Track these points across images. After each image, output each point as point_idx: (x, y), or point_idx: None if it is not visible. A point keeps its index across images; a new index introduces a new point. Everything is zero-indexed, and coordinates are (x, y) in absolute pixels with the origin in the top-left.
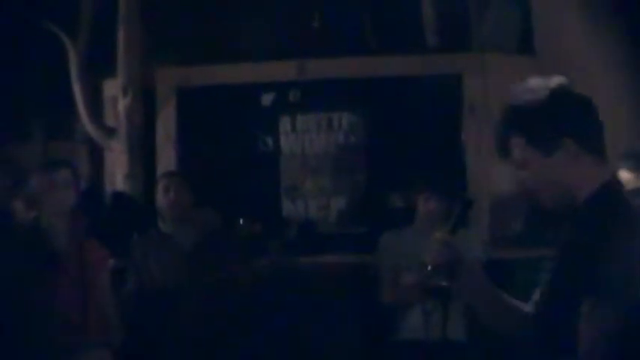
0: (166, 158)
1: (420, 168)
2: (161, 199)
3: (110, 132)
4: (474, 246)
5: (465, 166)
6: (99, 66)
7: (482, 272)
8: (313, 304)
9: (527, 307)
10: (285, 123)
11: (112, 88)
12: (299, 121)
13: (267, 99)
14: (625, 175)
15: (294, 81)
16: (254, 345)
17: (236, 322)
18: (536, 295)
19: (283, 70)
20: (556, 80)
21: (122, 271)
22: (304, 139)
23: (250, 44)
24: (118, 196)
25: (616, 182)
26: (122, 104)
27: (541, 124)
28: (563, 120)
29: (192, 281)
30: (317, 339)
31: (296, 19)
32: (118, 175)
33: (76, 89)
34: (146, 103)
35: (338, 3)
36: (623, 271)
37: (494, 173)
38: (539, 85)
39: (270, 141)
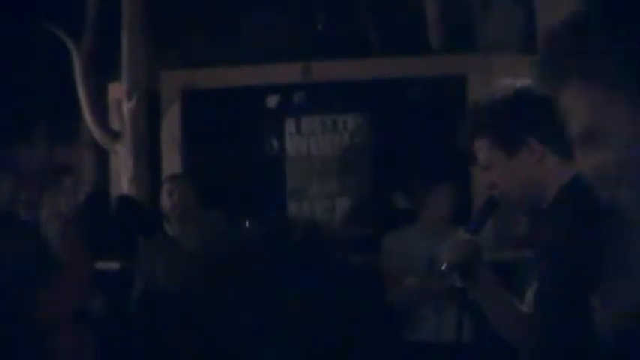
0: (172, 161)
1: (425, 169)
2: (166, 201)
3: (115, 135)
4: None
5: (471, 168)
6: (103, 69)
7: (495, 275)
8: (319, 304)
9: (525, 309)
10: (290, 125)
11: (116, 91)
12: (304, 123)
13: (272, 101)
14: None
15: (299, 83)
16: (261, 346)
17: (243, 323)
18: (528, 297)
19: (288, 73)
20: (521, 81)
21: (128, 274)
22: (309, 141)
23: (255, 46)
24: (123, 199)
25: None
26: (127, 107)
27: (503, 123)
28: (525, 119)
29: (197, 283)
30: (324, 339)
31: (300, 21)
32: (123, 178)
33: (81, 92)
34: (151, 105)
35: (342, 5)
36: (609, 258)
37: None
38: (504, 87)
39: (275, 143)
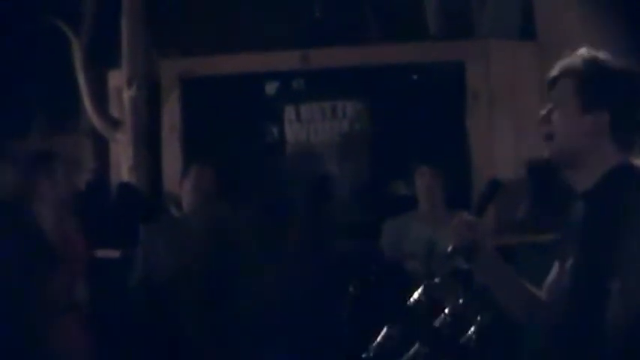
0: (171, 149)
1: (425, 156)
2: (188, 185)
3: (115, 123)
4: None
5: (469, 152)
6: (103, 57)
7: (500, 256)
8: (318, 291)
9: (541, 293)
10: (289, 112)
11: (116, 79)
12: (303, 111)
13: (271, 89)
14: None
15: (297, 70)
16: (264, 329)
17: (246, 308)
18: (548, 281)
19: (287, 60)
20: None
21: (129, 261)
22: (309, 128)
23: (253, 34)
24: (123, 187)
25: (632, 165)
26: (127, 95)
27: (599, 81)
28: (616, 96)
29: (204, 266)
30: (323, 323)
31: (299, 8)
32: (123, 166)
33: (81, 81)
34: (151, 93)
35: None
36: None
37: (498, 159)
38: (613, 58)
39: (274, 130)
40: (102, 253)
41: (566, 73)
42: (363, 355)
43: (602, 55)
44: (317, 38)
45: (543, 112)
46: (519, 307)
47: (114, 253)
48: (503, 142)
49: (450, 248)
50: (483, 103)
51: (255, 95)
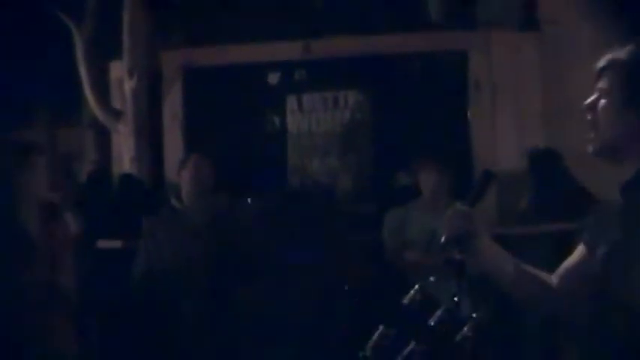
0: (173, 139)
1: (427, 145)
2: (186, 175)
3: (117, 114)
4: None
5: (471, 142)
6: (104, 48)
7: (496, 244)
8: (320, 281)
9: (552, 279)
10: (291, 102)
11: (118, 70)
12: (305, 100)
13: (273, 79)
14: None
15: (299, 60)
16: (264, 321)
17: (246, 299)
18: (564, 266)
19: (289, 50)
20: None
21: (131, 252)
22: (311, 118)
23: (255, 24)
24: (125, 178)
25: None
26: (128, 86)
27: (638, 76)
28: None
29: (204, 258)
30: (325, 316)
31: None
32: (125, 157)
33: (82, 72)
34: (152, 84)
35: None
36: None
37: (500, 149)
38: None
39: (276, 120)
40: (104, 244)
41: (612, 64)
42: (360, 354)
43: None
44: (319, 28)
45: (589, 100)
46: (526, 293)
47: (116, 244)
48: (505, 132)
49: (443, 239)
50: (486, 93)
51: (257, 85)
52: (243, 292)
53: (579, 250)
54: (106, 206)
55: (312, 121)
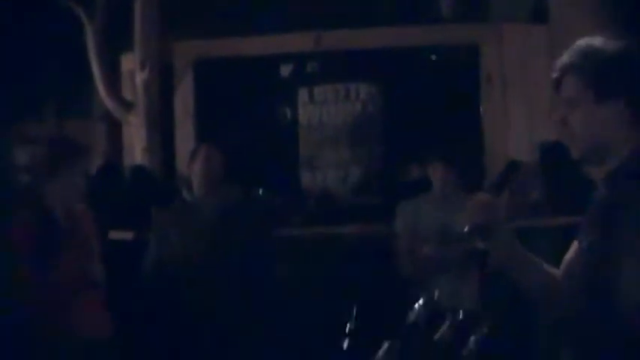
0: (185, 131)
1: (437, 138)
2: (197, 166)
3: (128, 105)
4: None
5: (483, 135)
6: (116, 40)
7: (516, 237)
8: (331, 274)
9: (558, 272)
10: (303, 94)
11: (129, 62)
12: (317, 92)
13: (284, 71)
14: None
15: (311, 52)
16: (275, 314)
17: (258, 292)
18: (565, 261)
19: (300, 42)
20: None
21: (142, 244)
22: (322, 110)
23: (268, 16)
24: (136, 169)
25: None
26: (140, 78)
27: (607, 72)
28: (627, 77)
29: (215, 250)
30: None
31: None
32: (136, 149)
33: (94, 64)
34: (164, 76)
35: None
36: None
37: (511, 142)
38: (613, 41)
39: (288, 112)
40: (115, 235)
41: (568, 70)
42: None
43: (597, 42)
44: (331, 20)
45: (557, 115)
46: (537, 288)
47: (127, 236)
48: (517, 125)
49: (466, 228)
50: (497, 85)
51: (268, 77)
52: (253, 284)
53: (574, 245)
54: (117, 198)
55: (324, 112)
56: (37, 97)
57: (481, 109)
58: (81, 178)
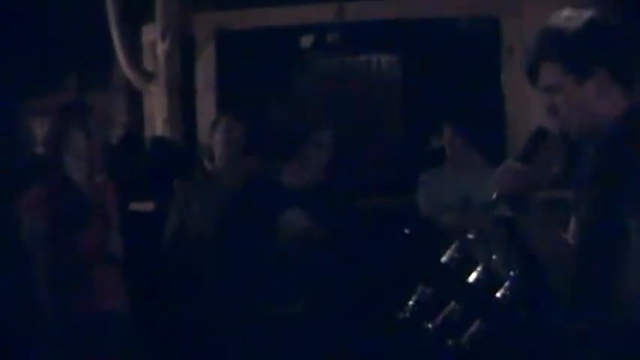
0: (206, 102)
1: (458, 109)
2: (218, 137)
3: (149, 76)
4: None
5: (504, 107)
6: (137, 11)
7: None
8: (352, 245)
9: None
10: (324, 65)
11: (150, 33)
12: (338, 64)
13: (305, 42)
14: None
15: (332, 23)
16: (293, 286)
17: (275, 265)
18: (570, 229)
19: (322, 13)
20: (593, 11)
21: (163, 215)
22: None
23: None
24: (157, 140)
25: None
26: (161, 49)
27: (579, 50)
28: (601, 49)
29: (235, 222)
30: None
31: None
32: (157, 120)
33: (115, 35)
34: (185, 47)
35: None
36: None
37: (533, 114)
38: (577, 14)
39: (309, 84)
40: (136, 206)
41: (543, 56)
42: (399, 316)
43: (563, 21)
44: None
45: (548, 106)
46: (558, 258)
47: (148, 207)
48: (538, 97)
49: (494, 195)
50: (518, 57)
51: (289, 48)
52: (273, 254)
53: (572, 221)
54: (138, 169)
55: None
56: (57, 69)
57: (502, 81)
58: (97, 140)
